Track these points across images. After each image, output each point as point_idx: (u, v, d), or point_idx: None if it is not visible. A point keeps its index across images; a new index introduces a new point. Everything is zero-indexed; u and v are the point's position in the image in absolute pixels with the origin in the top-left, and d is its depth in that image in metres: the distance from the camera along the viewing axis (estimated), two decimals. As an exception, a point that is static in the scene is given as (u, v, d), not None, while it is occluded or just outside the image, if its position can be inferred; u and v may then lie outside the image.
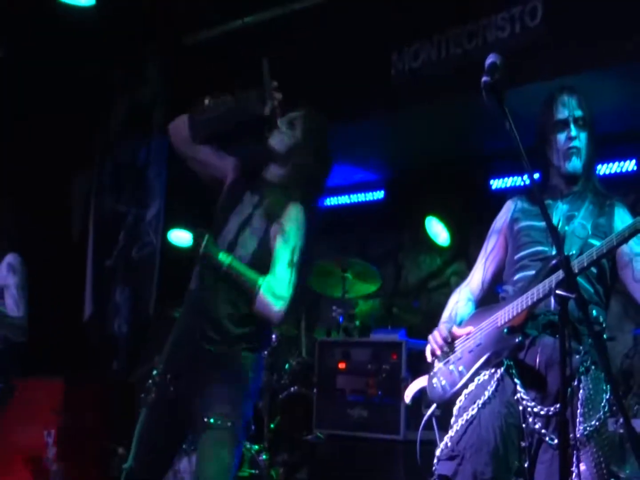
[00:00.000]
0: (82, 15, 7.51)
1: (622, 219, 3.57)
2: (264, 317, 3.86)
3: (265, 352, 6.58)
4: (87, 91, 8.46)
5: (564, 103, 3.64)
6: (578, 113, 3.62)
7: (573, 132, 3.60)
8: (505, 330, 3.44)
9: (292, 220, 3.95)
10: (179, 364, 3.94)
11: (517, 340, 3.40)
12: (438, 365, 3.69)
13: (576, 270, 3.23)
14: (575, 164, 3.61)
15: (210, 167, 4.22)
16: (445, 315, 3.83)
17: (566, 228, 3.56)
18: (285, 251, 3.89)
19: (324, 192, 4.24)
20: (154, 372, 4.00)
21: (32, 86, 8.05)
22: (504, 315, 3.48)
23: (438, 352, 3.67)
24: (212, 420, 3.78)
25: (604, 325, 3.54)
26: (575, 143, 3.61)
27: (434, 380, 3.68)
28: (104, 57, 8.24)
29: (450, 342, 3.66)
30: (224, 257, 3.85)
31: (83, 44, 7.94)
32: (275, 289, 3.82)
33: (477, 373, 3.54)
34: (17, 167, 8.04)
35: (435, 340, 3.69)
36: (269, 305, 3.82)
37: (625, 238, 3.21)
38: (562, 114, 3.63)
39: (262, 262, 3.91)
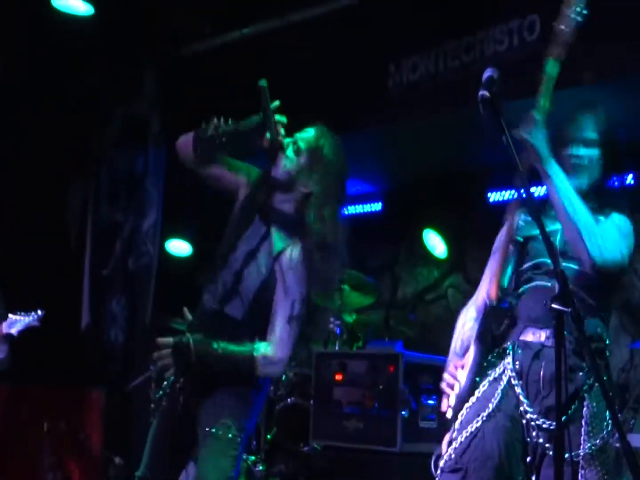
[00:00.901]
0: (80, 25, 7.52)
1: None
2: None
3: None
4: (84, 101, 8.47)
5: (582, 122, 3.68)
6: (592, 135, 3.66)
7: (581, 152, 3.63)
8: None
9: (294, 265, 3.89)
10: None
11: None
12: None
13: None
14: (580, 181, 3.61)
15: (224, 180, 4.17)
16: (454, 344, 3.76)
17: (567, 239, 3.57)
18: (285, 305, 3.86)
19: (337, 228, 4.10)
20: (164, 383, 4.04)
21: (28, 95, 8.05)
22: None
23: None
24: (214, 430, 3.81)
25: (607, 342, 3.54)
26: (581, 162, 3.63)
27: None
28: (101, 66, 8.24)
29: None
30: (214, 346, 3.80)
31: (81, 53, 7.95)
32: (272, 356, 3.82)
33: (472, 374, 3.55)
34: (14, 176, 8.03)
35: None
36: (268, 373, 3.90)
37: None
38: (578, 131, 3.66)
39: (264, 302, 3.90)
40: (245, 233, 4.02)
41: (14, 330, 6.42)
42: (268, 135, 3.89)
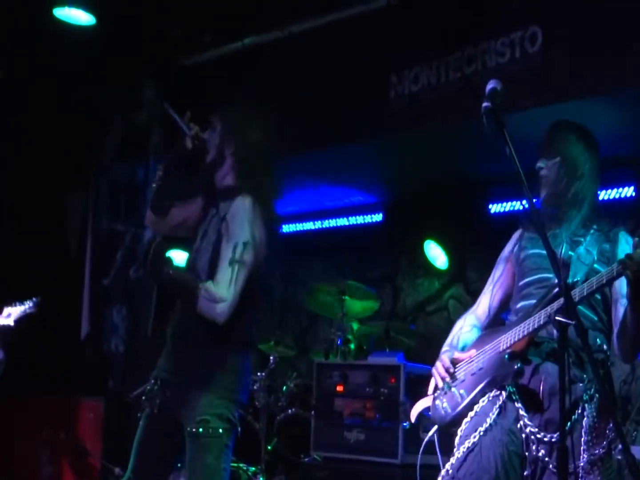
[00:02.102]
0: (81, 35, 7.52)
1: (623, 248, 3.55)
2: (208, 318, 3.89)
3: (263, 374, 6.60)
4: (84, 110, 8.47)
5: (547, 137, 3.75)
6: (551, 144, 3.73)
7: (541, 163, 3.70)
8: (506, 356, 3.44)
9: (236, 214, 3.97)
10: (166, 374, 4.05)
11: (515, 367, 3.40)
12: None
13: (577, 299, 3.22)
14: (542, 194, 3.69)
15: (187, 222, 4.26)
16: (447, 341, 3.84)
17: (570, 253, 3.56)
18: (227, 249, 3.91)
19: (276, 176, 4.23)
20: (147, 388, 4.08)
21: (29, 104, 8.05)
22: (506, 340, 3.49)
23: (441, 384, 3.68)
24: (194, 430, 3.86)
25: (608, 353, 3.54)
26: (542, 172, 3.71)
27: (437, 401, 3.69)
28: (101, 76, 8.24)
29: (452, 372, 3.66)
30: (170, 267, 3.92)
31: (81, 63, 7.95)
32: (214, 292, 3.83)
33: (475, 399, 3.54)
34: (14, 186, 8.03)
35: (438, 372, 3.70)
36: (209, 310, 3.85)
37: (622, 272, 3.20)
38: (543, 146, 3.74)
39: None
40: (201, 226, 4.17)
41: (10, 321, 6.39)
42: (188, 136, 4.11)
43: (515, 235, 3.90)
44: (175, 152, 4.17)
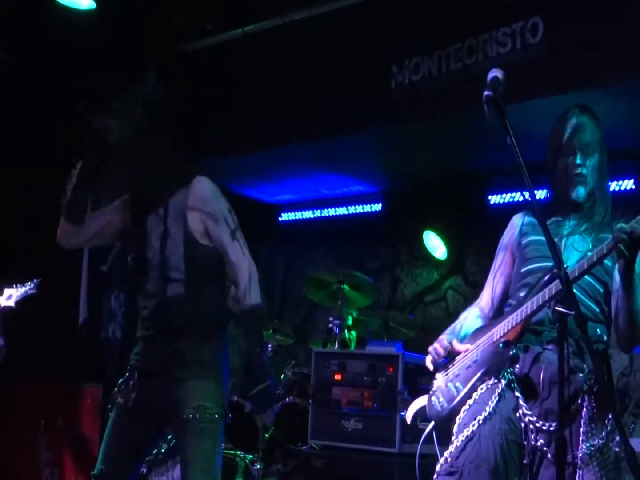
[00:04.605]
0: (81, 21, 7.49)
1: None
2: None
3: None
4: (83, 96, 8.44)
5: (575, 125, 3.55)
6: (586, 139, 3.54)
7: (579, 160, 3.52)
8: (500, 345, 3.44)
9: (204, 195, 3.97)
10: (148, 365, 4.03)
11: (511, 352, 3.39)
12: (437, 383, 3.70)
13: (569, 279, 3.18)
14: (579, 192, 3.54)
15: (106, 230, 4.22)
16: (449, 329, 3.82)
17: (564, 241, 3.54)
18: (220, 228, 3.94)
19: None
20: (120, 380, 4.08)
21: (26, 89, 8.02)
22: (499, 330, 3.48)
23: (439, 361, 3.68)
24: (190, 415, 3.86)
25: (608, 344, 3.53)
26: (582, 170, 3.53)
27: (433, 398, 3.69)
28: (101, 62, 8.21)
29: (450, 354, 3.66)
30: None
31: (81, 49, 7.92)
32: (238, 282, 3.92)
33: (473, 388, 3.54)
34: (11, 174, 8.01)
35: (436, 351, 3.68)
36: (249, 299, 3.92)
37: (614, 245, 3.15)
38: (571, 137, 3.54)
39: (196, 262, 3.96)
40: (148, 236, 4.08)
41: (11, 302, 6.39)
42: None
43: (515, 220, 3.83)
44: (88, 155, 4.13)
